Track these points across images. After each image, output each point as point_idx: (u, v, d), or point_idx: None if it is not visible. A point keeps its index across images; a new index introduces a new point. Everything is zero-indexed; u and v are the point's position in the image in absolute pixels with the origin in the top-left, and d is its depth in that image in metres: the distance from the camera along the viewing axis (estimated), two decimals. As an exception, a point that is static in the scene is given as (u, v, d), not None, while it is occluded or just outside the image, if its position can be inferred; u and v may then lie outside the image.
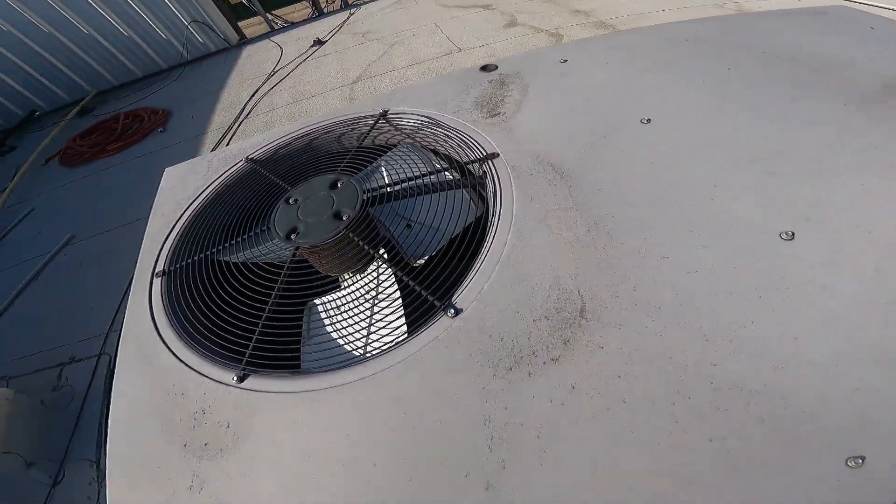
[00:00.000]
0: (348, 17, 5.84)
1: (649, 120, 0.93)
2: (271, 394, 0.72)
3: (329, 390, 0.70)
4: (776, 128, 0.86)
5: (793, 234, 0.72)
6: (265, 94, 4.25)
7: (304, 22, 6.17)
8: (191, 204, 1.12)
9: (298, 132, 1.24)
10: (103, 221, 3.43)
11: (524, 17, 4.40)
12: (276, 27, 6.40)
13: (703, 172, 0.82)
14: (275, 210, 0.95)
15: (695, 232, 0.75)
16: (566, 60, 1.17)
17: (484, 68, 1.27)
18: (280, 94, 4.21)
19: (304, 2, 6.89)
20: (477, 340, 0.69)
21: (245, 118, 3.98)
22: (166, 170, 1.28)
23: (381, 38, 4.71)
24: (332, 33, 5.34)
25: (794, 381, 0.58)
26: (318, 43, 5.12)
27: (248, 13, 6.66)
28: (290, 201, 0.96)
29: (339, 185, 0.96)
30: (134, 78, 5.68)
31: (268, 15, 6.47)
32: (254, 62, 5.09)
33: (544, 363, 0.66)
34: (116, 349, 2.83)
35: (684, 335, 0.65)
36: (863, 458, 0.52)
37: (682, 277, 0.70)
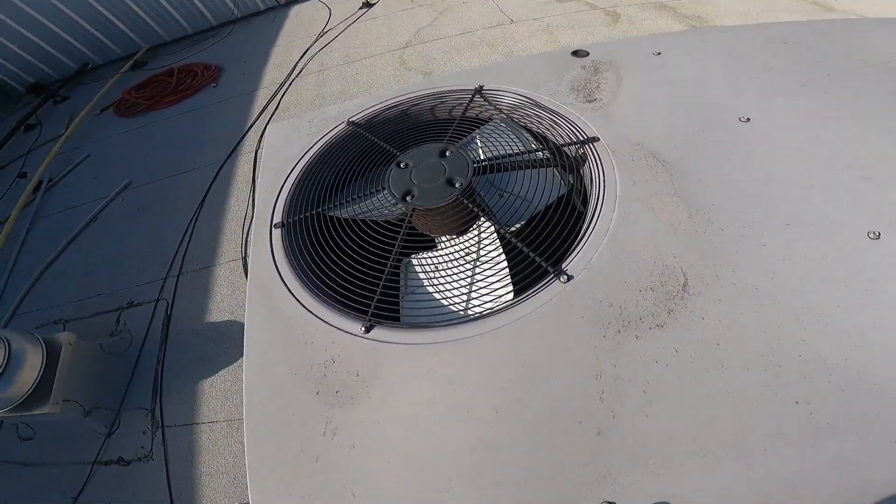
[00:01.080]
0: (396, -18, 5.75)
1: (749, 119, 0.98)
2: (398, 345, 0.81)
3: (453, 343, 0.79)
4: (872, 136, 0.91)
5: (879, 234, 0.79)
6: (315, 54, 4.29)
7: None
8: (298, 161, 1.22)
9: (395, 99, 1.31)
10: (159, 170, 3.56)
11: (578, -7, 4.30)
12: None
13: (800, 173, 0.88)
14: (387, 172, 1.04)
15: (791, 226, 0.82)
16: (660, 53, 1.21)
17: (575, 53, 1.32)
18: (330, 54, 4.24)
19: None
20: (588, 305, 0.79)
21: (297, 77, 4.04)
22: (269, 126, 1.37)
23: (431, 4, 4.67)
24: (380, -3, 5.29)
25: (870, 358, 0.67)
26: (367, 5, 5.09)
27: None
28: (402, 165, 1.05)
29: (447, 153, 1.05)
30: (185, 34, 5.75)
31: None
32: (302, 22, 5.10)
33: (650, 328, 0.75)
34: (174, 294, 2.96)
35: (777, 313, 0.73)
36: None
37: (778, 264, 0.78)
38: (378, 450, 0.72)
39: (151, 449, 2.11)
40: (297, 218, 1.09)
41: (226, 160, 3.36)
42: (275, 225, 1.09)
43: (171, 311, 2.64)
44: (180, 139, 3.77)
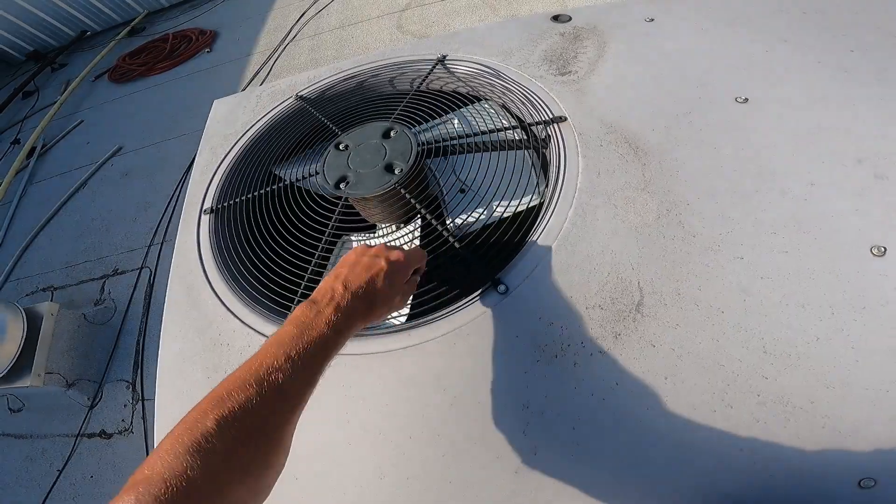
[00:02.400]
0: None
1: (746, 99, 0.82)
2: None
3: (371, 356, 0.70)
4: (896, 124, 0.75)
5: (885, 249, 0.64)
6: (312, 18, 4.08)
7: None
8: (239, 139, 1.10)
9: (350, 70, 1.17)
10: (149, 135, 3.49)
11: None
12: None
13: (801, 167, 0.73)
14: (324, 155, 0.92)
15: (778, 234, 0.68)
16: (653, 19, 1.03)
17: (555, 18, 1.15)
18: (327, 17, 4.02)
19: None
20: (524, 323, 0.67)
21: (290, 41, 3.86)
22: (215, 102, 1.25)
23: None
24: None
25: (840, 402, 0.56)
26: (370, -35, 4.80)
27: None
28: (341, 147, 0.93)
29: (392, 134, 0.91)
30: (182, -1, 5.57)
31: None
32: (302, -18, 4.84)
33: (591, 355, 0.64)
34: (157, 263, 2.92)
35: (742, 344, 0.61)
36: (875, 481, 0.52)
37: (755, 282, 0.65)
38: (288, 463, 0.66)
39: (132, 422, 2.10)
40: (228, 203, 0.99)
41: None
42: (204, 210, 0.99)
43: (153, 280, 2.61)
44: (172, 105, 3.68)
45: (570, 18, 1.13)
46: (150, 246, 2.75)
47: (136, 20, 5.33)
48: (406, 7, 3.69)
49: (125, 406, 2.16)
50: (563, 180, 0.79)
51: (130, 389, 2.20)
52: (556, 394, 0.62)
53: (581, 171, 0.80)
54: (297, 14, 4.16)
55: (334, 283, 0.56)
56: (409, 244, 0.83)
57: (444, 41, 1.17)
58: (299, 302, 0.80)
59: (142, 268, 2.66)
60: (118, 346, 2.36)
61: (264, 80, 3.51)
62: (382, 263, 0.58)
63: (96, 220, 3.01)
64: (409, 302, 0.75)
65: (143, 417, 2.13)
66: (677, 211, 0.72)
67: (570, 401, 0.61)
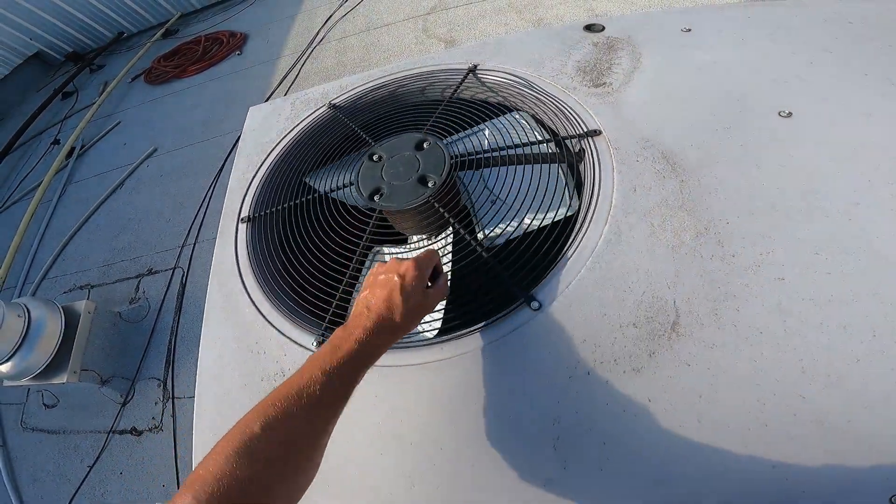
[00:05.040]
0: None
1: (790, 114, 0.80)
2: None
3: (404, 368, 0.71)
4: (948, 143, 0.72)
5: (931, 273, 0.62)
6: (338, 21, 4.13)
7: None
8: (274, 147, 1.13)
9: (381, 79, 1.19)
10: (183, 137, 3.60)
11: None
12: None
13: (844, 185, 0.71)
14: (359, 166, 0.94)
15: (821, 255, 0.66)
16: (690, 29, 1.02)
17: (589, 28, 1.14)
18: (353, 21, 4.07)
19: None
20: (557, 339, 0.67)
21: (318, 45, 3.92)
22: (250, 109, 1.28)
23: (462, -33, 4.36)
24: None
25: (877, 422, 0.55)
26: (396, -32, 4.83)
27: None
28: (375, 158, 0.94)
29: (425, 146, 0.93)
30: (215, 1, 5.71)
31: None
32: (329, -15, 4.91)
33: (624, 372, 0.64)
34: (189, 264, 2.98)
35: (780, 363, 0.60)
36: None
37: (796, 304, 0.63)
38: (320, 471, 0.68)
39: (162, 420, 2.16)
40: (265, 212, 1.02)
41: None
42: (242, 219, 1.02)
43: (185, 280, 2.69)
44: (204, 108, 3.78)
45: (604, 28, 1.12)
46: (182, 247, 2.83)
47: (171, 22, 5.51)
48: (431, 10, 3.70)
49: (156, 404, 2.22)
50: (597, 196, 0.79)
51: (161, 387, 2.26)
52: (587, 410, 0.62)
53: (616, 186, 0.80)
54: (324, 17, 4.22)
55: (360, 306, 0.61)
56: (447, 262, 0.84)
57: (474, 50, 1.17)
58: (334, 312, 0.82)
59: (175, 268, 2.74)
60: (150, 344, 2.43)
61: (293, 83, 3.57)
62: (395, 279, 0.61)
63: (132, 220, 3.12)
64: (441, 305, 0.77)
65: (174, 415, 2.17)
66: (716, 230, 0.71)
67: (601, 417, 0.61)
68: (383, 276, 0.63)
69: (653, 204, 0.76)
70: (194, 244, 2.83)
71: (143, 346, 2.42)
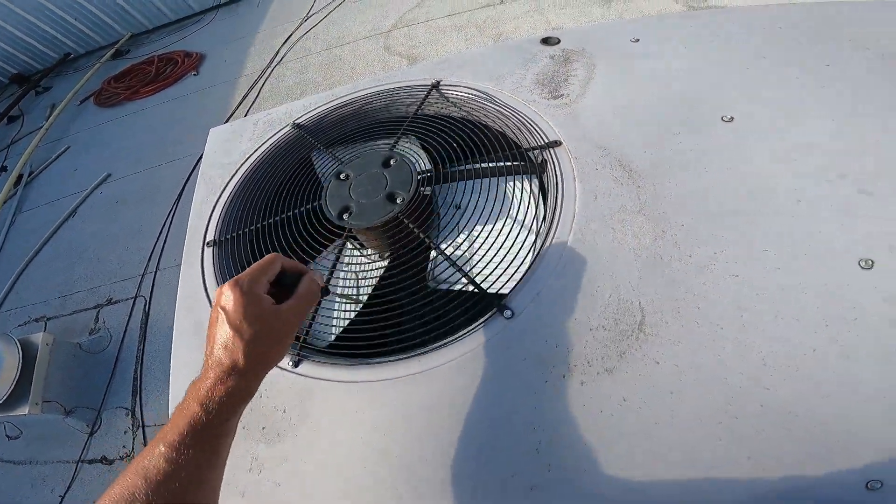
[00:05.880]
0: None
1: (732, 118, 0.86)
2: (325, 381, 0.74)
3: (381, 383, 0.71)
4: (877, 139, 0.79)
5: (872, 263, 0.67)
6: (299, 40, 4.12)
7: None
8: (237, 170, 1.11)
9: (345, 97, 1.20)
10: (138, 161, 3.48)
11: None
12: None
13: (787, 184, 0.76)
14: (326, 185, 0.94)
15: (769, 251, 0.70)
16: (638, 40, 1.08)
17: (545, 41, 1.19)
18: (314, 39, 4.07)
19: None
20: (532, 345, 0.69)
21: (277, 64, 3.89)
22: (211, 130, 1.26)
23: (420, -16, 4.44)
24: (368, -24, 5.06)
25: (839, 409, 0.58)
26: (354, -15, 4.87)
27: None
28: (342, 177, 0.95)
29: (392, 162, 0.93)
30: (167, 21, 5.58)
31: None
32: (288, 4, 4.89)
33: (598, 373, 0.66)
34: (151, 292, 2.90)
35: (742, 357, 0.63)
36: (881, 483, 0.54)
37: (750, 299, 0.67)
38: (303, 491, 0.68)
39: (133, 448, 2.11)
40: (231, 235, 1.00)
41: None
42: (207, 243, 0.99)
43: (148, 308, 2.60)
44: (159, 130, 3.67)
45: (559, 41, 1.17)
46: (143, 275, 2.73)
47: (121, 42, 5.34)
48: (393, 27, 3.75)
49: (125, 432, 2.17)
50: (561, 205, 0.82)
51: (130, 416, 2.21)
52: (566, 413, 0.63)
53: (578, 195, 0.83)
54: (284, 36, 4.20)
55: (205, 355, 0.51)
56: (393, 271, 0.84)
57: (436, 66, 1.20)
58: (308, 332, 0.81)
59: (136, 297, 2.65)
60: (116, 374, 2.36)
61: (253, 104, 3.53)
62: (219, 314, 0.50)
63: (88, 249, 2.98)
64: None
65: (144, 443, 2.13)
66: (672, 232, 0.75)
67: (579, 418, 0.63)
68: (213, 314, 0.51)
69: (613, 210, 0.79)
70: (155, 272, 2.73)
71: (107, 377, 2.35)
